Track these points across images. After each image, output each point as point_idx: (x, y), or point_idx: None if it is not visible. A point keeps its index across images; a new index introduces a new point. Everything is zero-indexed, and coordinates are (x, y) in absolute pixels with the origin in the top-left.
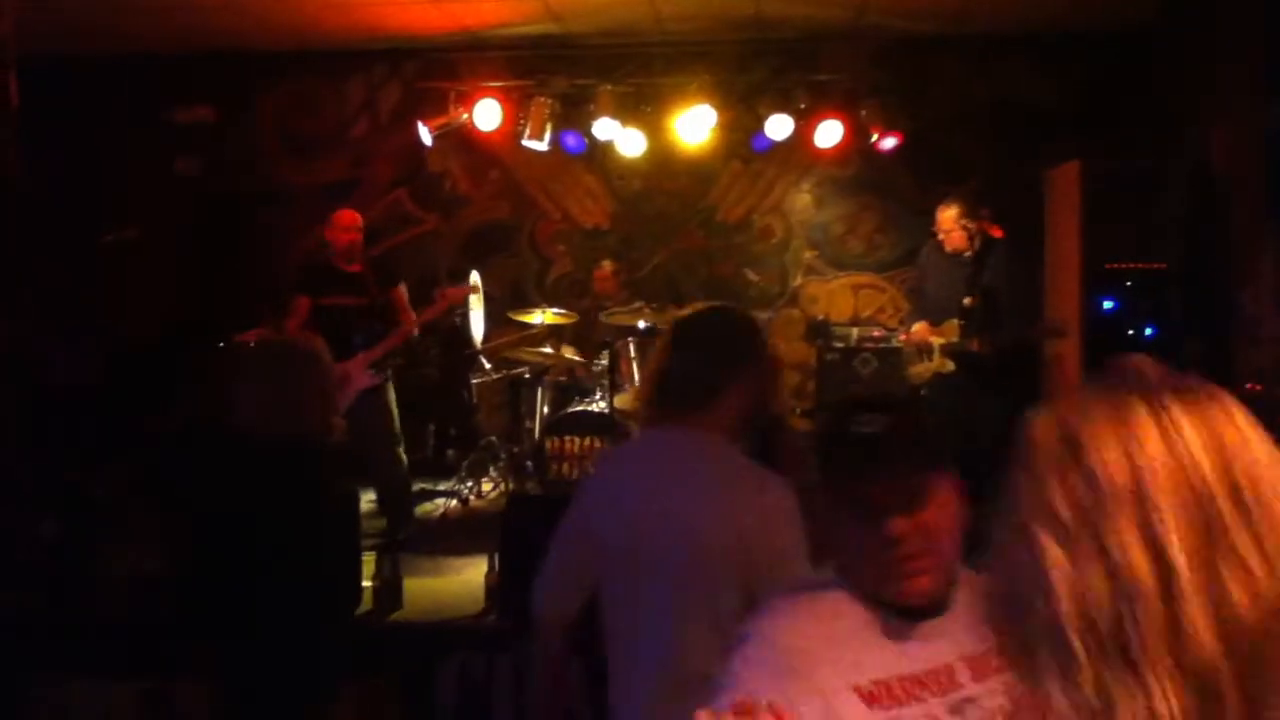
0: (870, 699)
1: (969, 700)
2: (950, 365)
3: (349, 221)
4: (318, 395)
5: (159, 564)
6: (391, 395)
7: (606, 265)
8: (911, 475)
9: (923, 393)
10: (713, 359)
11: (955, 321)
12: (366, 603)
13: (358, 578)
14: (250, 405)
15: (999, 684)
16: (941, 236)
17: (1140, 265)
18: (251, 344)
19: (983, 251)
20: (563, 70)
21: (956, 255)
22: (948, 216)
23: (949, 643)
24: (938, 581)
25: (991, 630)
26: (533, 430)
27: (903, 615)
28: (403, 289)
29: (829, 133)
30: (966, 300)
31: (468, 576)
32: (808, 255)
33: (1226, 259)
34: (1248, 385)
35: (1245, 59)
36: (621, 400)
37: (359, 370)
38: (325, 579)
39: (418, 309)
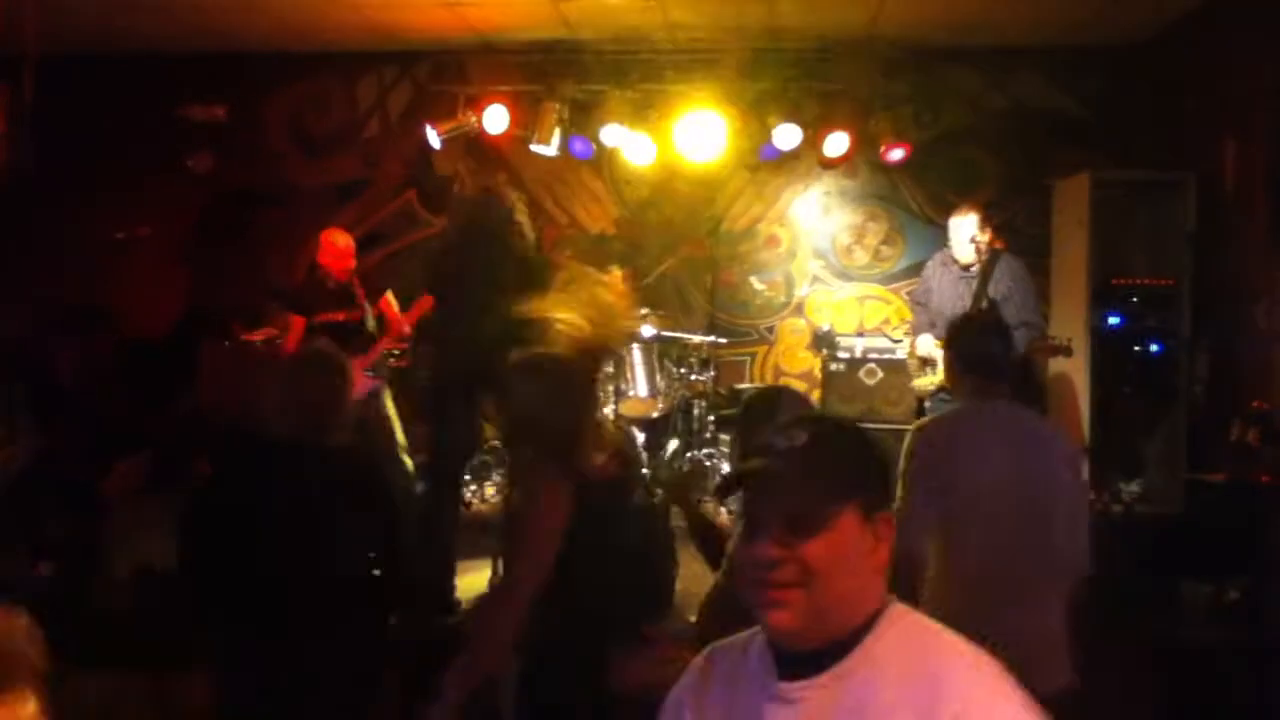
0: None
1: None
2: None
3: (346, 248)
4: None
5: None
6: (389, 399)
7: (616, 271)
8: (805, 500)
9: (927, 405)
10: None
11: None
12: None
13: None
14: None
15: None
16: (953, 247)
17: (1147, 281)
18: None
19: (988, 264)
20: (572, 75)
21: (964, 268)
22: (962, 225)
23: (827, 714)
24: (802, 623)
25: None
26: None
27: (787, 664)
28: (390, 296)
29: (837, 143)
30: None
31: (471, 580)
32: (814, 265)
33: (1237, 273)
34: (1254, 403)
35: (1257, 73)
36: (626, 406)
37: (358, 375)
38: (372, 577)
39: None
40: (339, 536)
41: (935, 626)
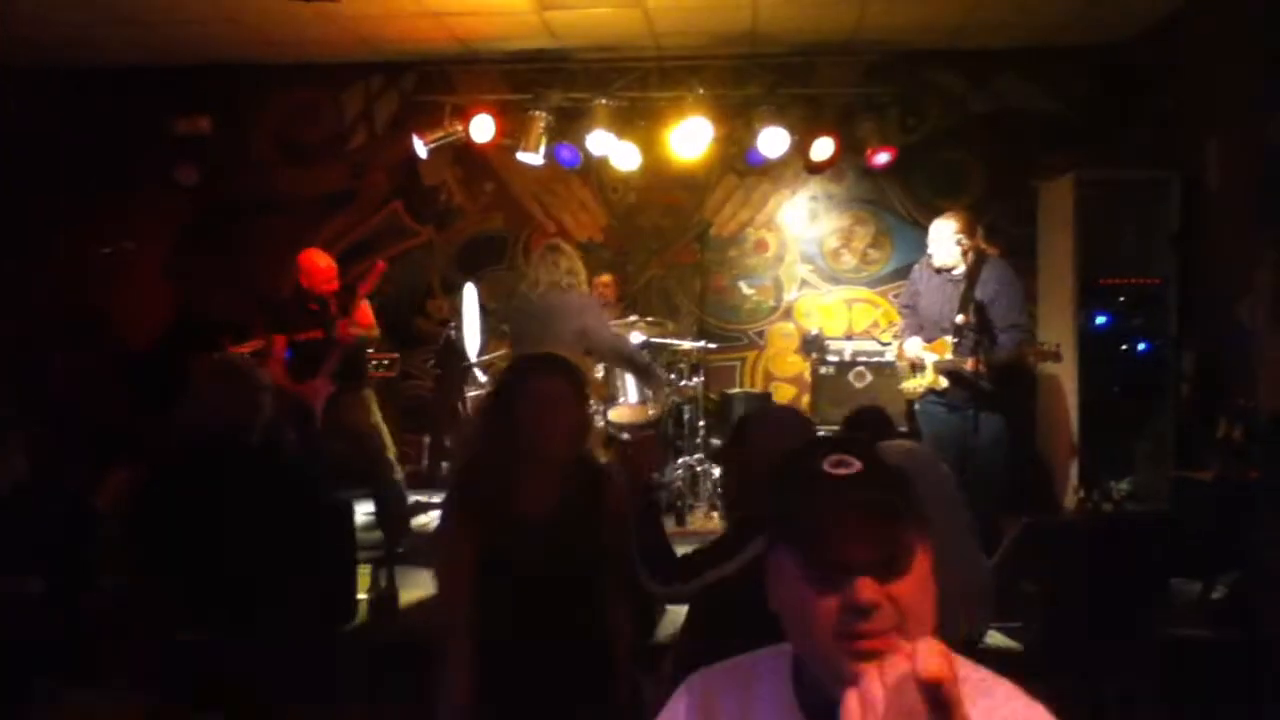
0: None
1: None
2: (944, 382)
3: (327, 269)
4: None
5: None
6: (376, 409)
7: (606, 276)
8: (894, 532)
9: (916, 407)
10: None
11: (947, 340)
12: (362, 616)
13: (351, 590)
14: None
15: None
16: (931, 250)
17: (1134, 280)
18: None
19: (975, 268)
20: (558, 84)
21: (947, 272)
22: (941, 231)
23: None
24: None
25: None
26: None
27: (815, 706)
28: (364, 305)
29: (823, 148)
30: (959, 318)
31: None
32: (802, 269)
33: (1222, 272)
34: (1240, 401)
35: (1241, 73)
36: (616, 413)
37: (324, 383)
38: (316, 591)
39: (404, 325)
40: (248, 535)
41: (980, 668)
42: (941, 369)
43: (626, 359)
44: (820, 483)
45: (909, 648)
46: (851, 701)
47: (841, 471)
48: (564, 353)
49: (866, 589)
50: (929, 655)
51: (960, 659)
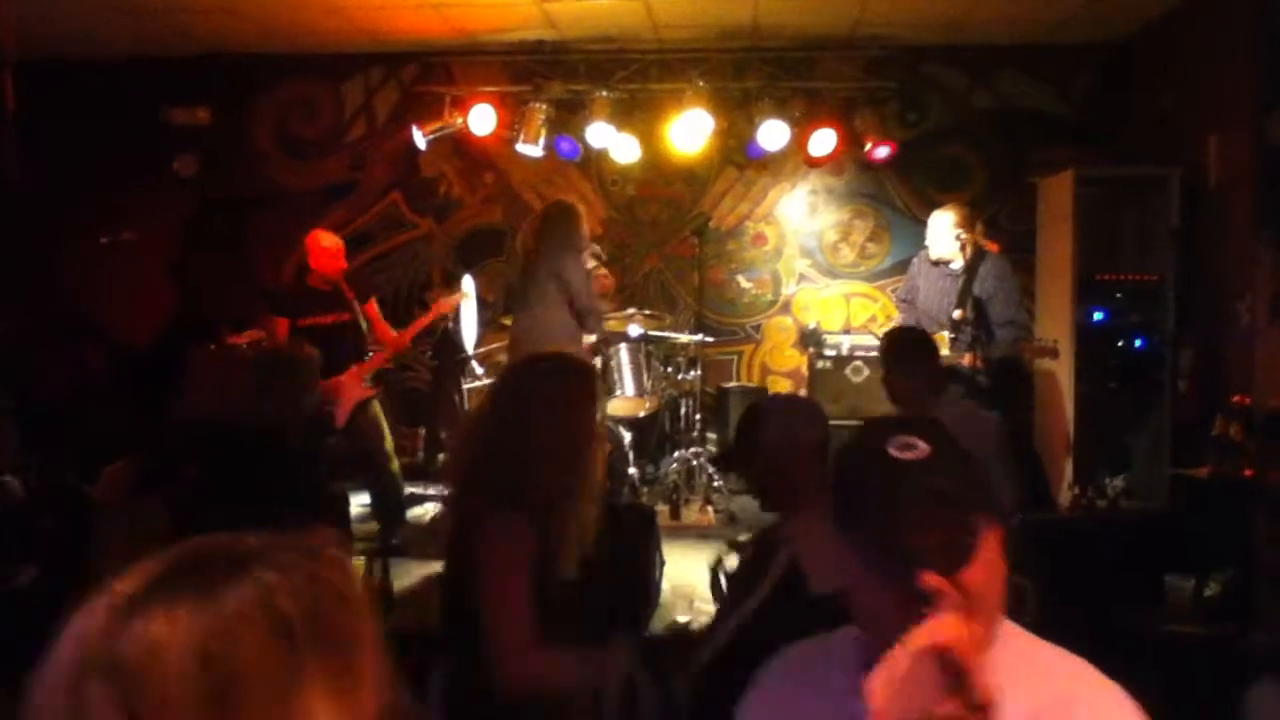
0: None
1: None
2: None
3: (335, 249)
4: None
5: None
6: (376, 402)
7: (603, 270)
8: (960, 521)
9: None
10: None
11: (945, 335)
12: None
13: None
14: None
15: None
16: (928, 242)
17: (1132, 276)
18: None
19: (973, 263)
20: (558, 76)
21: (945, 266)
22: (940, 223)
23: None
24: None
25: None
26: None
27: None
28: (374, 303)
29: (823, 141)
30: (956, 314)
31: None
32: (800, 263)
33: (1221, 269)
34: (1235, 398)
35: (1240, 70)
36: (613, 406)
37: (354, 383)
38: None
39: (404, 317)
40: (246, 523)
41: (1055, 648)
42: None
43: (586, 309)
44: (885, 467)
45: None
46: (878, 676)
47: (908, 456)
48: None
49: (932, 578)
50: (941, 625)
51: (1047, 644)
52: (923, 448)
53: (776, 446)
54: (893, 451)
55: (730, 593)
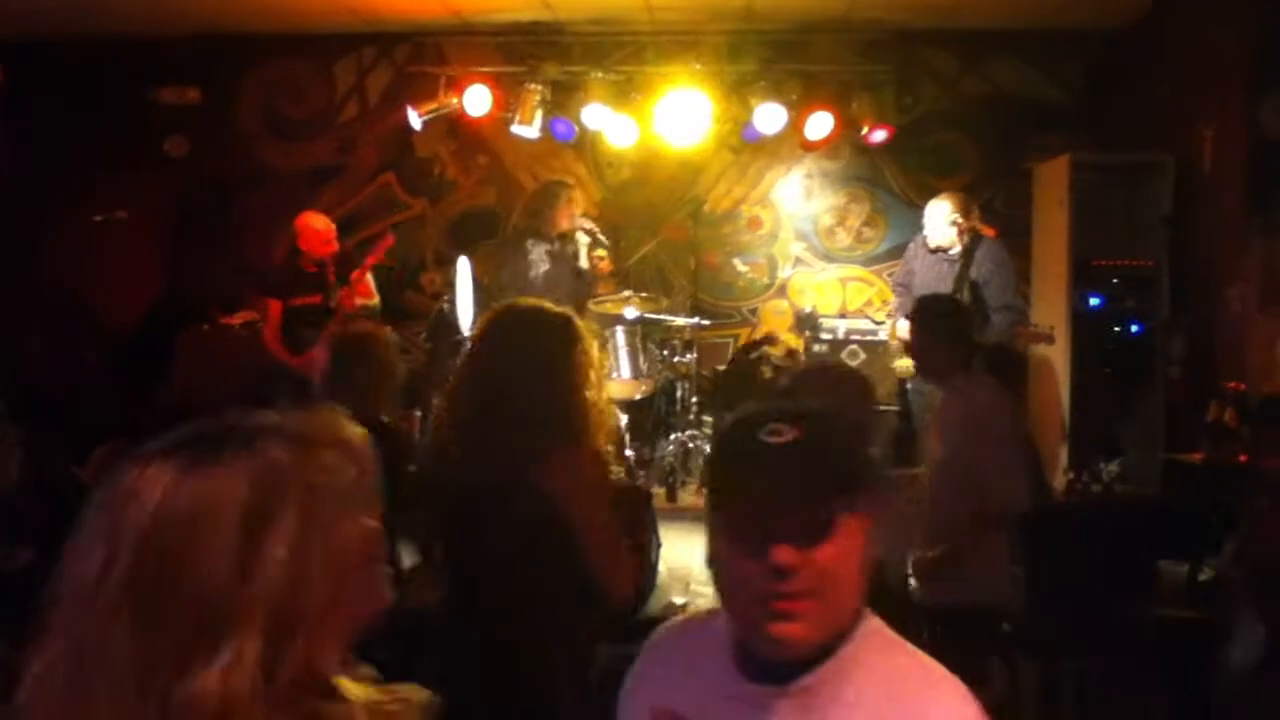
0: None
1: None
2: None
3: (326, 230)
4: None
5: None
6: None
7: (600, 251)
8: (815, 501)
9: (908, 385)
10: None
11: None
12: None
13: None
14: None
15: None
16: (926, 231)
17: (1127, 262)
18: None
19: (970, 248)
20: (554, 57)
21: (943, 251)
22: (936, 211)
23: None
24: (812, 634)
25: None
26: None
27: (767, 677)
28: (366, 277)
29: (819, 125)
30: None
31: None
32: (796, 247)
33: (1212, 256)
34: (1230, 384)
35: (1233, 57)
36: (609, 388)
37: (323, 354)
38: None
39: (396, 298)
40: None
41: (911, 647)
42: None
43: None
44: (751, 449)
45: None
46: None
47: (774, 440)
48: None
49: (784, 553)
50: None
51: (906, 646)
52: (790, 433)
53: None
54: (762, 436)
55: None
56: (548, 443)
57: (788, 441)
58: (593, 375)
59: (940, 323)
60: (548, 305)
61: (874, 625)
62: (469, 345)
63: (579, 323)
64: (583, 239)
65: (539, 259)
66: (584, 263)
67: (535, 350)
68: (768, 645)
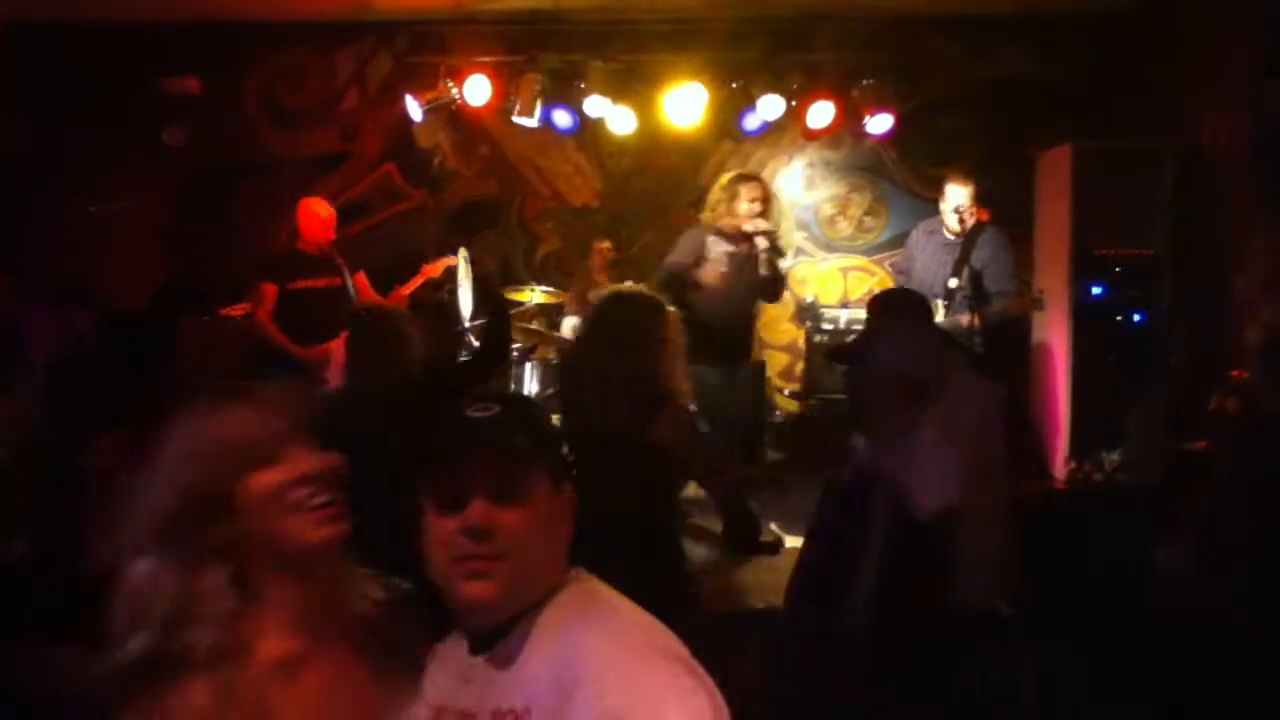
0: None
1: None
2: None
3: (328, 217)
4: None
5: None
6: None
7: (604, 241)
8: (507, 463)
9: None
10: None
11: (939, 304)
12: None
13: None
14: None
15: None
16: (944, 211)
17: (1130, 251)
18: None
19: (972, 234)
20: (554, 46)
21: (943, 237)
22: (959, 195)
23: (489, 690)
24: (502, 592)
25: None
26: None
27: (478, 648)
28: (364, 276)
29: (821, 114)
30: (953, 282)
31: None
32: (797, 236)
33: (1218, 243)
34: (1234, 372)
35: (1240, 43)
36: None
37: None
38: None
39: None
40: None
41: (605, 595)
42: None
43: None
44: (459, 421)
45: None
46: None
47: (479, 414)
48: None
49: (478, 512)
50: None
51: (602, 599)
52: (495, 410)
53: (884, 379)
54: (469, 412)
55: (826, 522)
56: (648, 400)
57: (490, 415)
58: (675, 347)
59: (905, 313)
60: (644, 291)
61: (579, 584)
62: (584, 321)
63: (669, 308)
64: (762, 243)
65: (719, 259)
66: (764, 269)
67: (636, 326)
68: (462, 606)
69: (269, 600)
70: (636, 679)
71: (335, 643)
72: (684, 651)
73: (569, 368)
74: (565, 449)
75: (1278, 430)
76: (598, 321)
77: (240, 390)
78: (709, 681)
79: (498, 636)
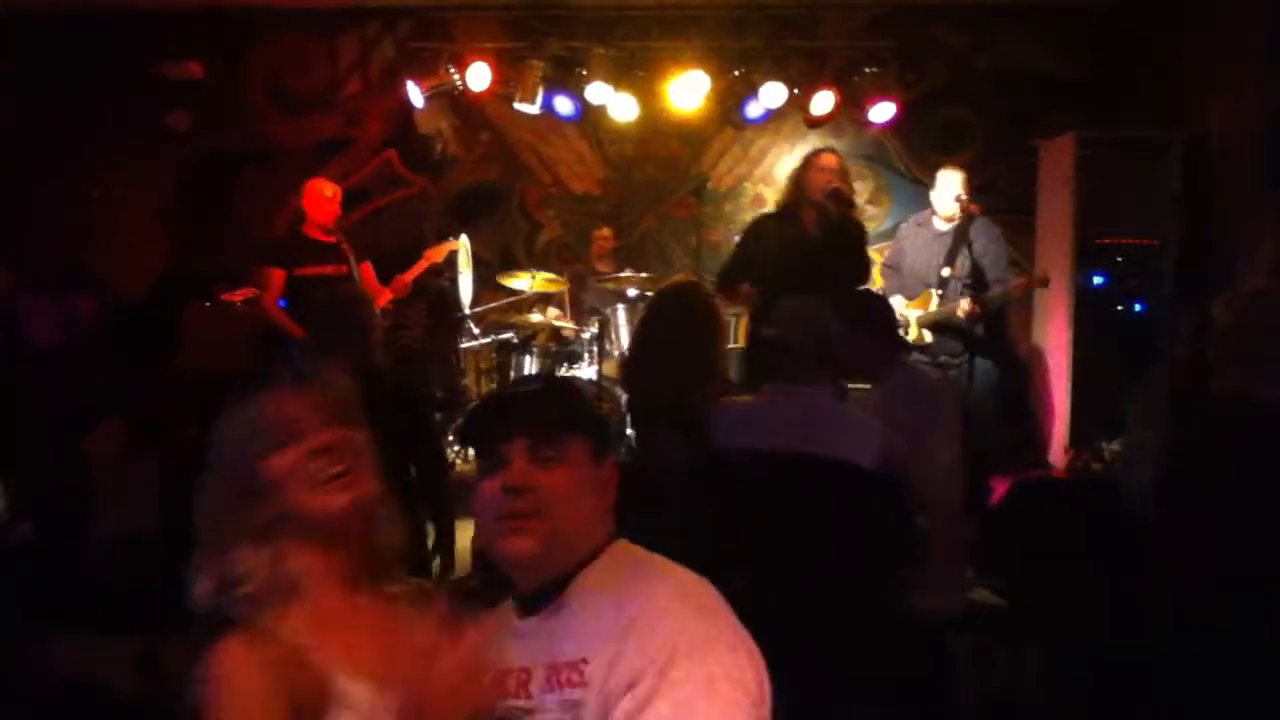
0: None
1: (525, 712)
2: (928, 337)
3: (333, 197)
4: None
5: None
6: None
7: (605, 229)
8: (545, 431)
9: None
10: None
11: (932, 293)
12: None
13: None
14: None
15: (558, 700)
16: (934, 199)
17: (1131, 240)
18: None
19: (963, 226)
20: (556, 33)
21: (933, 228)
22: (950, 181)
23: (543, 645)
24: (541, 548)
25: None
26: None
27: (524, 603)
28: (369, 265)
29: (823, 102)
30: (946, 270)
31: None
32: None
33: (1223, 232)
34: None
35: (1246, 31)
36: (610, 367)
37: None
38: None
39: (399, 272)
40: None
41: (651, 558)
42: (925, 323)
43: None
44: (504, 396)
45: None
46: None
47: (522, 388)
48: None
49: (518, 470)
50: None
51: (650, 560)
52: (537, 384)
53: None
54: (512, 387)
55: None
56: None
57: (531, 388)
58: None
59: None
60: (696, 280)
61: (620, 547)
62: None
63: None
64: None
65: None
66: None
67: (690, 314)
68: (506, 561)
69: (307, 572)
70: (685, 630)
71: (373, 605)
72: (729, 611)
73: (637, 351)
74: (624, 422)
75: (1275, 422)
76: (663, 310)
77: (262, 379)
78: (750, 641)
79: (547, 599)
